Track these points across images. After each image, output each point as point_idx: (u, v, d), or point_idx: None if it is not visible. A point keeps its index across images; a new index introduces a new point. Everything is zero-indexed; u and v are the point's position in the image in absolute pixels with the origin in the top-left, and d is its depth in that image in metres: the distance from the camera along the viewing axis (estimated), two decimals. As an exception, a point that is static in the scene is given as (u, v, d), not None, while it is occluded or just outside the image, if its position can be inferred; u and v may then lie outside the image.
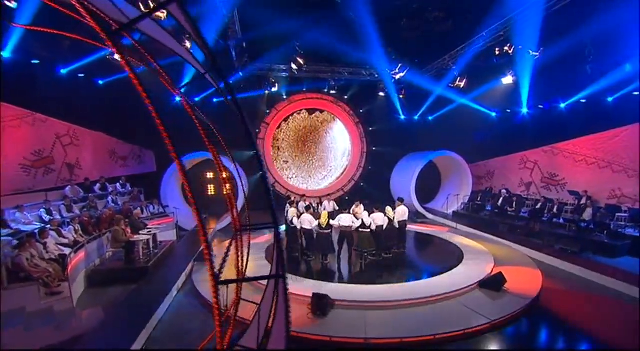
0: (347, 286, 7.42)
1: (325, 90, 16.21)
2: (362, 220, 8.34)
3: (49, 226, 7.88)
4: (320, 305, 6.24)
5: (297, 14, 8.83)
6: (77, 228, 8.58)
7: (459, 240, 10.89)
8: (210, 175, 17.03)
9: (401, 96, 15.32)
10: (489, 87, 13.24)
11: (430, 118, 17.80)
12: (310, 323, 6.01)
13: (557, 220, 11.23)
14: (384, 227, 8.66)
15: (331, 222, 8.72)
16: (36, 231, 7.33)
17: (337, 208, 11.20)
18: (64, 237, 8.02)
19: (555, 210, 11.54)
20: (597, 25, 7.90)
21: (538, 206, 12.11)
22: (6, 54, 9.40)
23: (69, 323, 5.78)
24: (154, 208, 12.03)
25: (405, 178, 15.78)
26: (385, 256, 9.01)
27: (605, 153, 11.73)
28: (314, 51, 11.69)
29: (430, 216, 15.32)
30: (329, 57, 12.88)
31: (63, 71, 11.09)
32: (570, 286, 7.86)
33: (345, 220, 8.49)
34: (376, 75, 14.66)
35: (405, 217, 9.17)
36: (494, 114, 15.39)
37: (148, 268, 8.18)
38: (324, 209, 10.40)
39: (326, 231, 8.74)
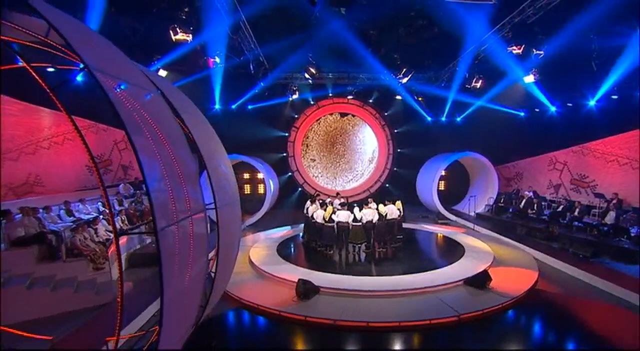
0: (334, 275, 8.14)
1: (350, 97, 16.87)
2: (354, 215, 9.06)
3: (101, 216, 9.76)
4: (304, 289, 7.11)
5: (304, 27, 9.77)
6: (123, 218, 10.41)
7: (467, 240, 10.96)
8: (246, 175, 18.65)
9: (419, 99, 15.46)
10: (504, 87, 12.96)
11: (458, 119, 17.57)
12: (293, 305, 6.91)
13: (577, 224, 10.74)
14: (374, 222, 9.31)
15: (333, 216, 9.55)
16: (90, 219, 9.19)
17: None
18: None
19: (577, 213, 11.02)
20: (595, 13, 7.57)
21: (560, 209, 11.61)
22: (79, 77, 11.75)
23: (105, 291, 7.32)
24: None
25: (429, 179, 15.88)
26: (380, 250, 9.61)
27: (638, 152, 10.92)
28: (330, 58, 12.52)
29: (453, 217, 15.27)
30: (344, 64, 13.61)
31: (122, 87, 13.29)
32: (565, 290, 7.74)
33: (342, 215, 9.26)
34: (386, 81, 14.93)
35: (395, 215, 9.60)
36: (522, 114, 14.86)
37: (175, 253, 9.69)
38: (332, 205, 11.21)
39: (329, 224, 9.60)
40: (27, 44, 3.76)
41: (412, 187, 17.25)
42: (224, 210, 4.84)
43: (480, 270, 8.27)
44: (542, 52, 9.24)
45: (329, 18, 8.71)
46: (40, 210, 8.21)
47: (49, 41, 3.73)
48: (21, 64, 3.84)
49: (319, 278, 7.81)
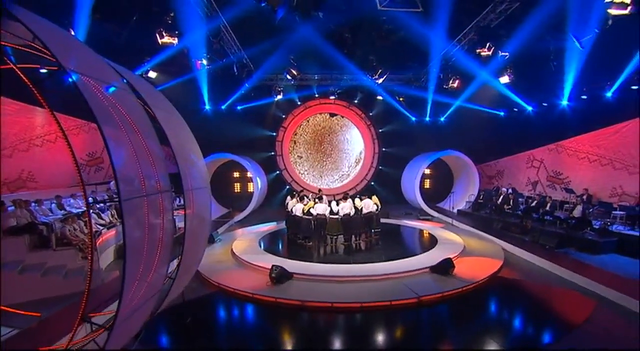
0: (308, 263, 8.64)
1: (332, 97, 17.31)
2: (331, 208, 9.55)
3: (90, 209, 10.27)
4: (277, 274, 7.59)
5: (283, 30, 10.31)
6: (113, 213, 10.90)
7: (443, 234, 11.42)
8: (236, 174, 19.08)
9: (400, 99, 15.96)
10: (478, 88, 13.50)
11: (441, 119, 18.08)
12: (266, 288, 7.39)
13: (548, 218, 11.23)
14: (351, 215, 9.78)
15: (310, 210, 10.04)
16: (80, 212, 9.69)
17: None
18: (102, 219, 10.36)
19: (548, 207, 11.50)
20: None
21: (533, 204, 12.10)
22: (72, 78, 12.28)
23: (93, 278, 7.80)
24: (179, 201, 14.27)
25: (412, 177, 16.38)
26: (356, 242, 10.13)
27: (606, 150, 11.45)
28: (311, 60, 13.06)
29: (435, 214, 15.73)
30: (325, 65, 14.15)
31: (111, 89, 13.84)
32: (526, 276, 8.21)
33: (320, 208, 9.76)
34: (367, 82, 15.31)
35: (370, 209, 10.08)
36: (501, 114, 15.39)
37: (161, 246, 10.17)
38: (314, 201, 11.70)
39: (307, 217, 10.08)
40: (15, 46, 4.26)
41: (397, 185, 17.75)
42: (193, 192, 5.34)
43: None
44: (507, 54, 9.76)
45: (307, 21, 9.22)
46: (32, 203, 8.70)
47: (34, 45, 4.26)
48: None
49: (293, 265, 8.28)
